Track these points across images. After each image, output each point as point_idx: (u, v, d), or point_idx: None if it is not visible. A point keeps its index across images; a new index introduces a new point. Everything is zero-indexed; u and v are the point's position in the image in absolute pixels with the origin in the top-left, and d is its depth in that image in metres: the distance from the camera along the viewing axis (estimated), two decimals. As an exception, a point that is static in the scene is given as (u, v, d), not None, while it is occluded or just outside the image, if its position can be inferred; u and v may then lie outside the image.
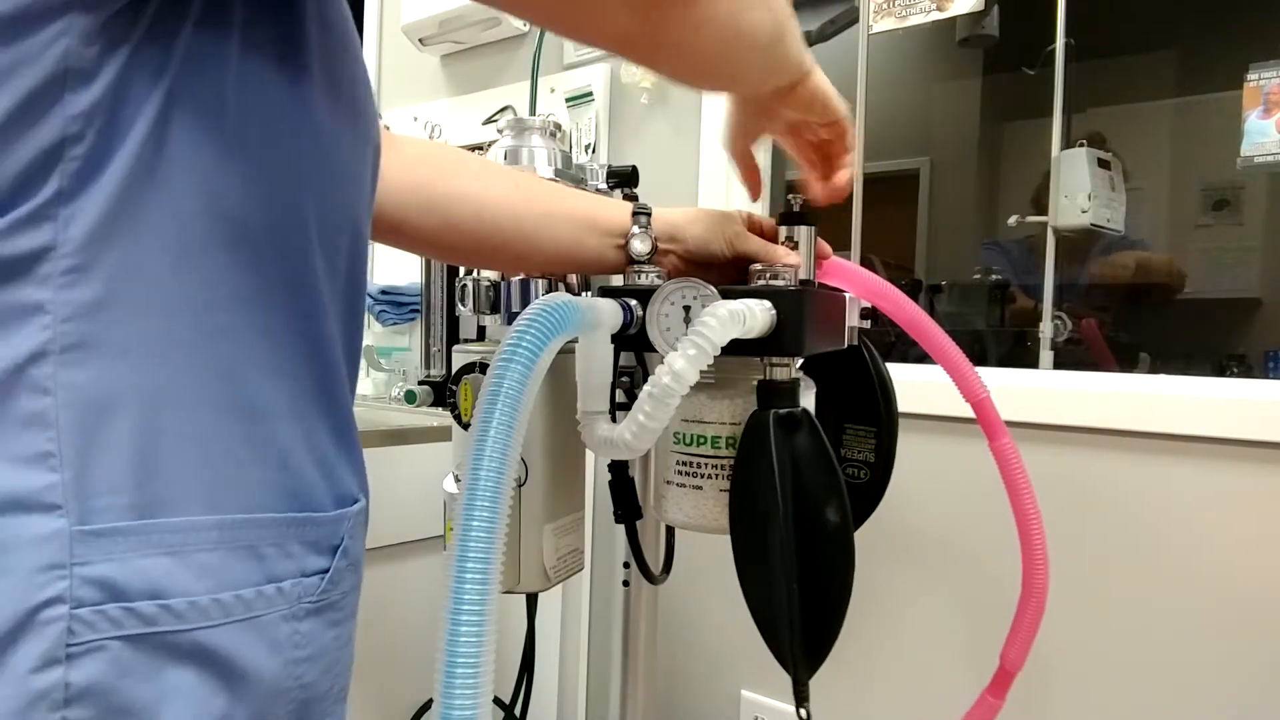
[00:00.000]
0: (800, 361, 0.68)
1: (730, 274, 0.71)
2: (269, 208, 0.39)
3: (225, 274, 0.37)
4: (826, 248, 0.72)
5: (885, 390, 0.77)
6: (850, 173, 0.70)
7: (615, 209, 0.70)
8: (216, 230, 0.37)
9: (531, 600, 1.19)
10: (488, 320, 0.80)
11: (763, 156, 1.31)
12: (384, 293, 1.51)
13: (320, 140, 0.41)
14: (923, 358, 0.80)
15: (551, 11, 0.41)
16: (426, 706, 1.23)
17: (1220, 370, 2.00)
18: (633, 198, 0.76)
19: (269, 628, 0.39)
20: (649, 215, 0.68)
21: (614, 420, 0.53)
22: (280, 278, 0.40)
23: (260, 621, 0.39)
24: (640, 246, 0.67)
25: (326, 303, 0.43)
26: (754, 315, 0.51)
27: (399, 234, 0.66)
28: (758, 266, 0.60)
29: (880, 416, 0.76)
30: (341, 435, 0.45)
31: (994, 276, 1.85)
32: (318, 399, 0.43)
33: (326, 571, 0.43)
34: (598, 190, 0.88)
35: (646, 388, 0.48)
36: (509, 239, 0.67)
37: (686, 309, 0.55)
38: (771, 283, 0.58)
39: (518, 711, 1.22)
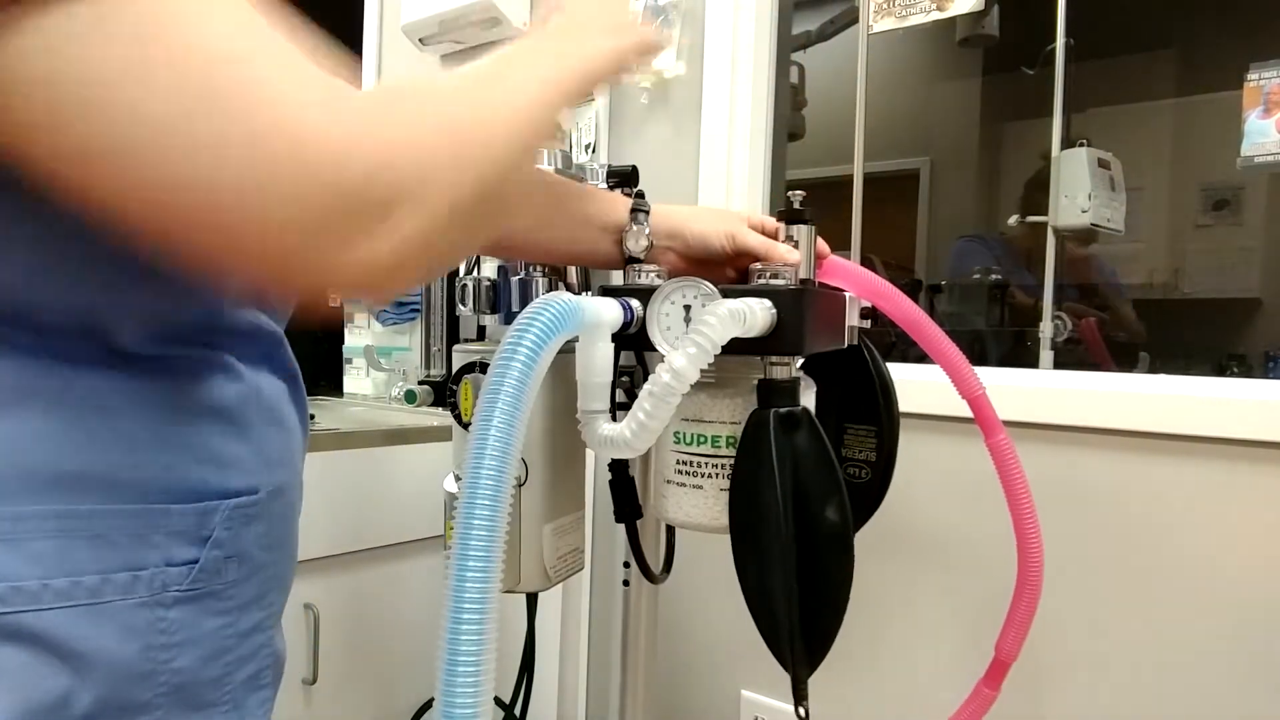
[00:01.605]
0: (801, 361, 0.68)
1: (729, 272, 0.71)
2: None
3: (52, 283, 0.40)
4: (824, 247, 0.72)
5: (886, 390, 0.77)
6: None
7: (614, 204, 0.71)
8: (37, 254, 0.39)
9: (531, 600, 1.19)
10: (488, 320, 0.80)
11: (762, 157, 1.31)
12: (384, 294, 1.50)
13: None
14: (922, 358, 0.80)
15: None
16: (426, 706, 1.23)
17: (1220, 370, 2.00)
18: (639, 195, 0.76)
19: (120, 613, 0.41)
20: (646, 212, 0.68)
21: (614, 420, 0.53)
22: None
23: (109, 607, 0.40)
24: (634, 244, 0.67)
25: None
26: (754, 314, 0.51)
27: None
28: (758, 265, 0.60)
29: (881, 416, 0.76)
30: (232, 430, 0.46)
31: (993, 276, 1.85)
32: (187, 396, 0.44)
33: (196, 562, 0.44)
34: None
35: (647, 386, 0.48)
36: (505, 233, 0.67)
37: (687, 308, 0.55)
38: (771, 282, 0.58)
39: (517, 711, 1.22)
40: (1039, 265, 1.52)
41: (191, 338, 0.45)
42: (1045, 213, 1.51)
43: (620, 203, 0.71)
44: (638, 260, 0.68)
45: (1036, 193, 1.84)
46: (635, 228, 0.68)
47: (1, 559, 0.38)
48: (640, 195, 0.71)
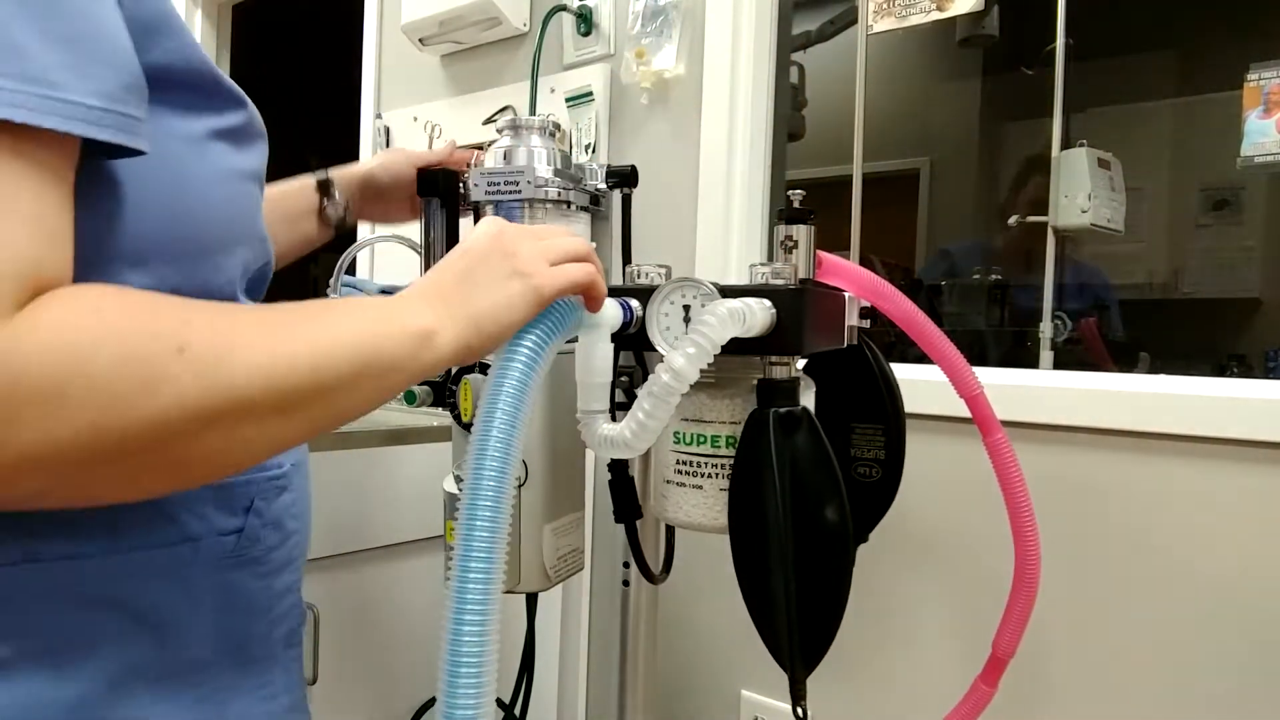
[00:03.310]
0: (803, 362, 0.68)
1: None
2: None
3: None
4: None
5: (890, 386, 0.77)
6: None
7: (300, 192, 0.82)
8: None
9: (531, 600, 1.19)
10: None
11: (762, 157, 1.31)
12: (384, 292, 1.50)
13: None
14: (922, 358, 0.80)
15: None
16: (426, 706, 1.23)
17: (1220, 370, 2.00)
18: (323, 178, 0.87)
19: (185, 579, 0.46)
20: (328, 183, 0.81)
21: (614, 420, 0.53)
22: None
23: (178, 574, 0.46)
24: (336, 211, 0.80)
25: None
26: (754, 314, 0.51)
27: None
28: (757, 264, 0.60)
29: (887, 413, 0.76)
30: None
31: (994, 277, 1.85)
32: None
33: (240, 530, 0.49)
34: (596, 189, 0.88)
35: (646, 386, 0.48)
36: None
37: (686, 308, 0.55)
38: (771, 281, 0.58)
39: (517, 711, 1.22)
40: (1030, 267, 1.53)
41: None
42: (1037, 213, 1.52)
43: (303, 186, 0.82)
44: (348, 226, 0.83)
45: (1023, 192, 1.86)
46: (329, 200, 0.80)
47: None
48: (326, 179, 0.83)
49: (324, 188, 0.83)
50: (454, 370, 0.73)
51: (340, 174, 0.85)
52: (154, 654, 0.44)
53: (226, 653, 0.48)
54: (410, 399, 1.42)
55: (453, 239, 0.87)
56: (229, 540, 0.48)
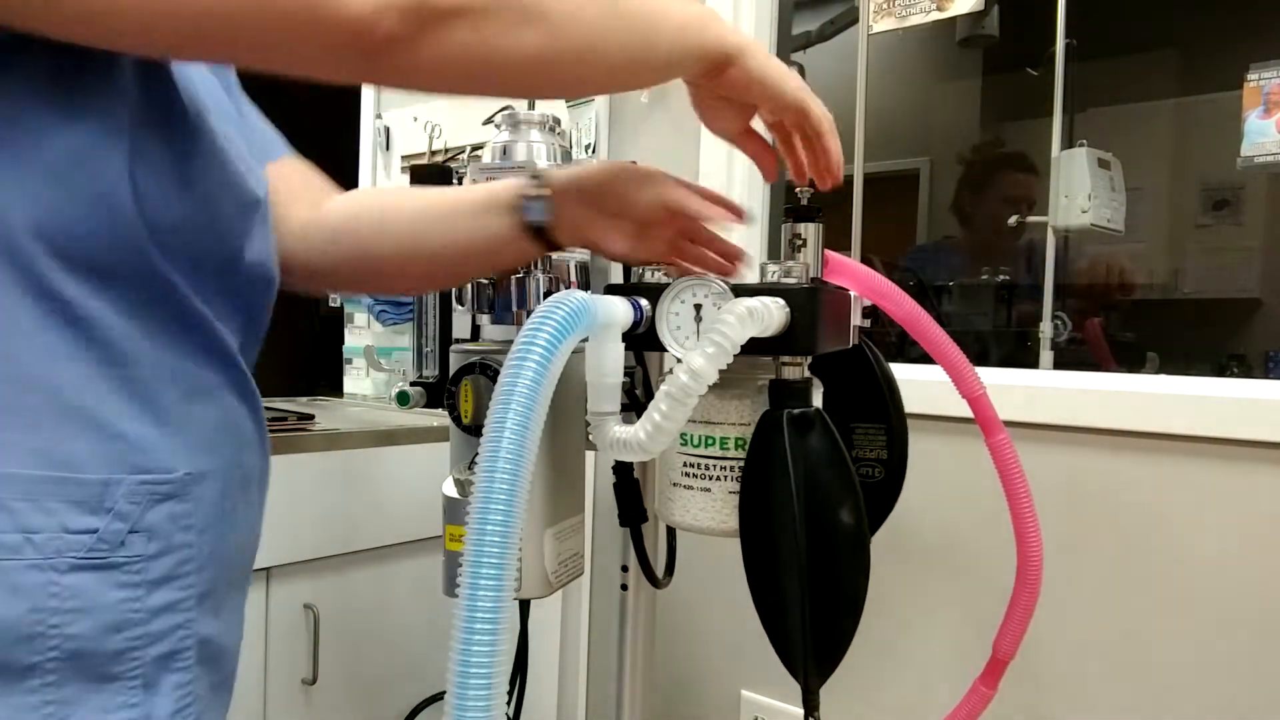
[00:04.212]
0: (809, 361, 0.67)
1: (665, 234, 0.65)
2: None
3: None
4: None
5: (891, 386, 0.76)
6: (834, 158, 0.63)
7: (511, 184, 0.67)
8: None
9: (524, 604, 1.19)
10: (484, 319, 0.79)
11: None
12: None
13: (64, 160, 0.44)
14: (922, 357, 0.80)
15: (285, 67, 0.44)
16: (420, 708, 1.22)
17: (1220, 370, 2.00)
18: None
19: (9, 573, 0.42)
20: (540, 177, 0.64)
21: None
22: (19, 270, 0.43)
23: None
24: (533, 210, 0.62)
25: (102, 299, 0.46)
26: (770, 313, 0.51)
27: (334, 281, 0.72)
28: (768, 263, 0.59)
29: (889, 413, 0.75)
30: (148, 411, 0.48)
31: (1000, 277, 1.85)
32: (99, 376, 0.46)
33: (95, 531, 0.45)
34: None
35: (664, 387, 0.47)
36: (419, 243, 0.67)
37: (697, 307, 0.54)
38: (783, 280, 0.57)
39: (510, 712, 1.21)
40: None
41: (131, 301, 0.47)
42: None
43: (515, 182, 0.66)
44: (546, 235, 0.63)
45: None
46: (531, 197, 0.63)
47: None
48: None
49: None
50: (454, 370, 0.72)
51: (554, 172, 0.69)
52: None
53: (60, 661, 0.44)
54: (404, 400, 1.41)
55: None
56: (79, 539, 0.44)
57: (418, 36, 0.43)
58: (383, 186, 0.78)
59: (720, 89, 0.60)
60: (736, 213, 0.67)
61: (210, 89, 0.56)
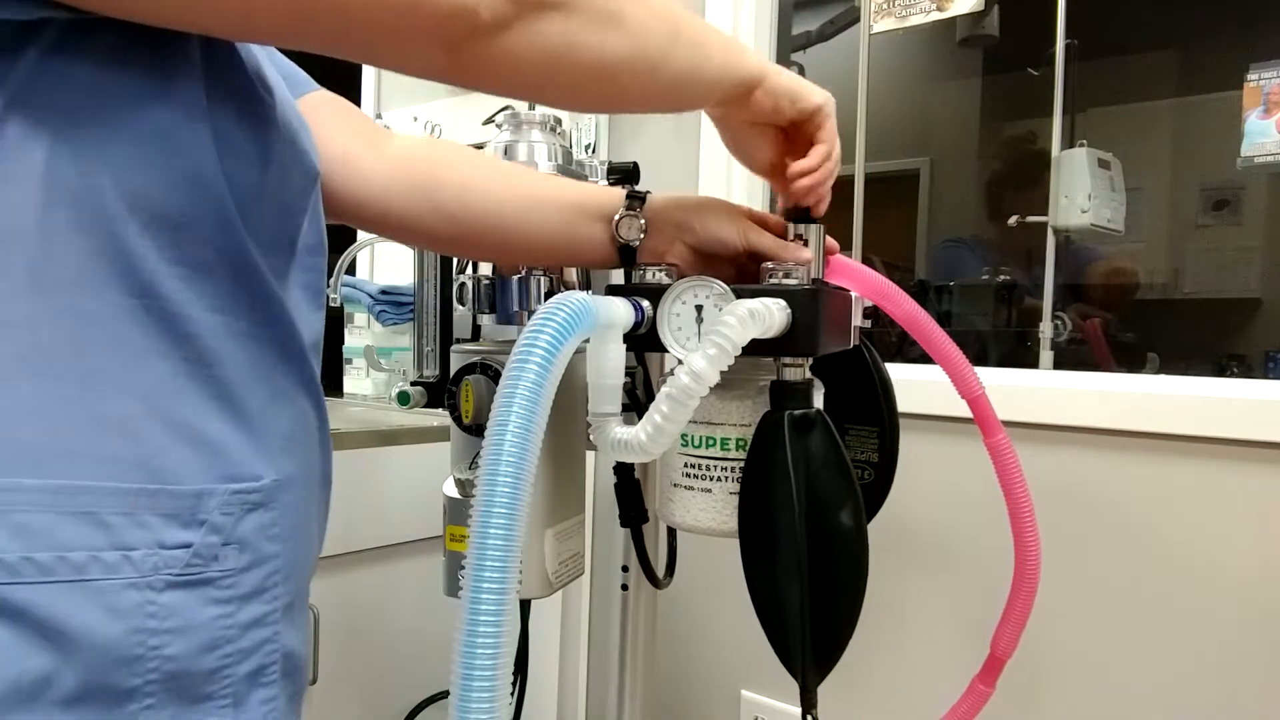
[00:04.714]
0: (810, 362, 0.67)
1: (729, 270, 0.67)
2: (101, 201, 0.41)
3: (61, 257, 0.40)
4: (834, 243, 0.71)
5: (886, 389, 0.76)
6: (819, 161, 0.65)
7: (607, 194, 0.68)
8: (54, 217, 0.40)
9: (525, 604, 1.19)
10: (485, 319, 0.79)
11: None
12: (384, 293, 1.49)
13: (172, 142, 0.43)
14: (922, 357, 0.80)
15: (369, 53, 0.46)
16: (420, 708, 1.22)
17: (1220, 370, 2.01)
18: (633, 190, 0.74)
19: (107, 593, 0.40)
20: (642, 199, 0.66)
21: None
22: (118, 263, 0.42)
23: (95, 585, 0.40)
24: (628, 231, 0.64)
25: (192, 291, 0.44)
26: (772, 315, 0.51)
27: (386, 223, 0.67)
28: (769, 264, 0.59)
29: (882, 415, 0.76)
30: (235, 414, 0.46)
31: (1001, 277, 1.85)
32: (187, 376, 0.44)
33: (190, 546, 0.43)
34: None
35: (665, 389, 0.47)
36: (496, 224, 0.66)
37: (699, 308, 0.54)
38: (784, 281, 0.57)
39: (510, 714, 1.21)
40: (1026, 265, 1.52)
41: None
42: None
43: (613, 193, 0.68)
44: (631, 253, 0.65)
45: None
46: (629, 215, 0.65)
47: None
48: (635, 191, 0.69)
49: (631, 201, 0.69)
50: (455, 370, 0.72)
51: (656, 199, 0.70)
52: (55, 675, 0.39)
53: (160, 683, 0.42)
54: (404, 400, 1.41)
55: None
56: (175, 555, 0.42)
57: (514, 22, 0.44)
58: (446, 141, 0.77)
59: (746, 113, 0.62)
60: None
61: (254, 47, 0.53)
